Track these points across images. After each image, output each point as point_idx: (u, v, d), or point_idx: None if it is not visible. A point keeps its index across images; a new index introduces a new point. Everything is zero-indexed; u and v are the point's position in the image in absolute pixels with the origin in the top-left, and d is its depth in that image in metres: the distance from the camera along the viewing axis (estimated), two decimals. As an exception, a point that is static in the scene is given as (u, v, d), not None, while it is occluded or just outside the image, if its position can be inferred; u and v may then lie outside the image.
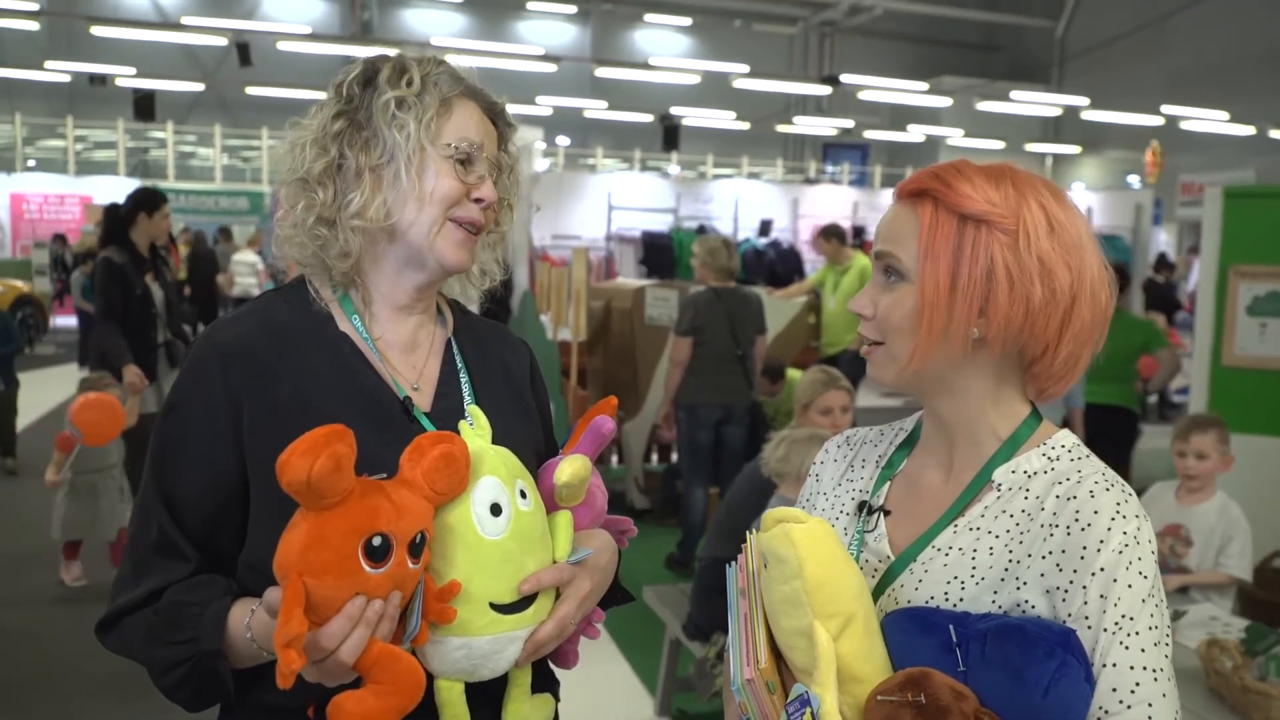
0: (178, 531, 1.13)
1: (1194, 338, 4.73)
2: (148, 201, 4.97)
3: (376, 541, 0.97)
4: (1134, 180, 18.01)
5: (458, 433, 1.12)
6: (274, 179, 1.27)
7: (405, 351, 1.25)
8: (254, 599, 1.06)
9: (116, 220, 4.89)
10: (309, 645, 0.96)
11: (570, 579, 1.13)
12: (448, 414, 1.20)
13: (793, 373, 5.77)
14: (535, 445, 1.30)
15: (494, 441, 1.15)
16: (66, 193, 16.69)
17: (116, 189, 16.88)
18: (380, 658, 0.98)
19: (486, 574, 1.05)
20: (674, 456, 6.24)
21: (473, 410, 1.19)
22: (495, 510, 1.07)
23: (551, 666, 1.29)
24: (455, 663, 1.06)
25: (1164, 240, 14.21)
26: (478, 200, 1.21)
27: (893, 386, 1.11)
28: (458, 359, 1.29)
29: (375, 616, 0.97)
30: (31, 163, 18.55)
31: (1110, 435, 5.12)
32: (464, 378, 1.27)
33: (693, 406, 5.14)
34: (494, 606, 1.06)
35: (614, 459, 6.82)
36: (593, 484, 1.24)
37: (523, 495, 1.10)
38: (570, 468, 1.15)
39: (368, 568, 0.97)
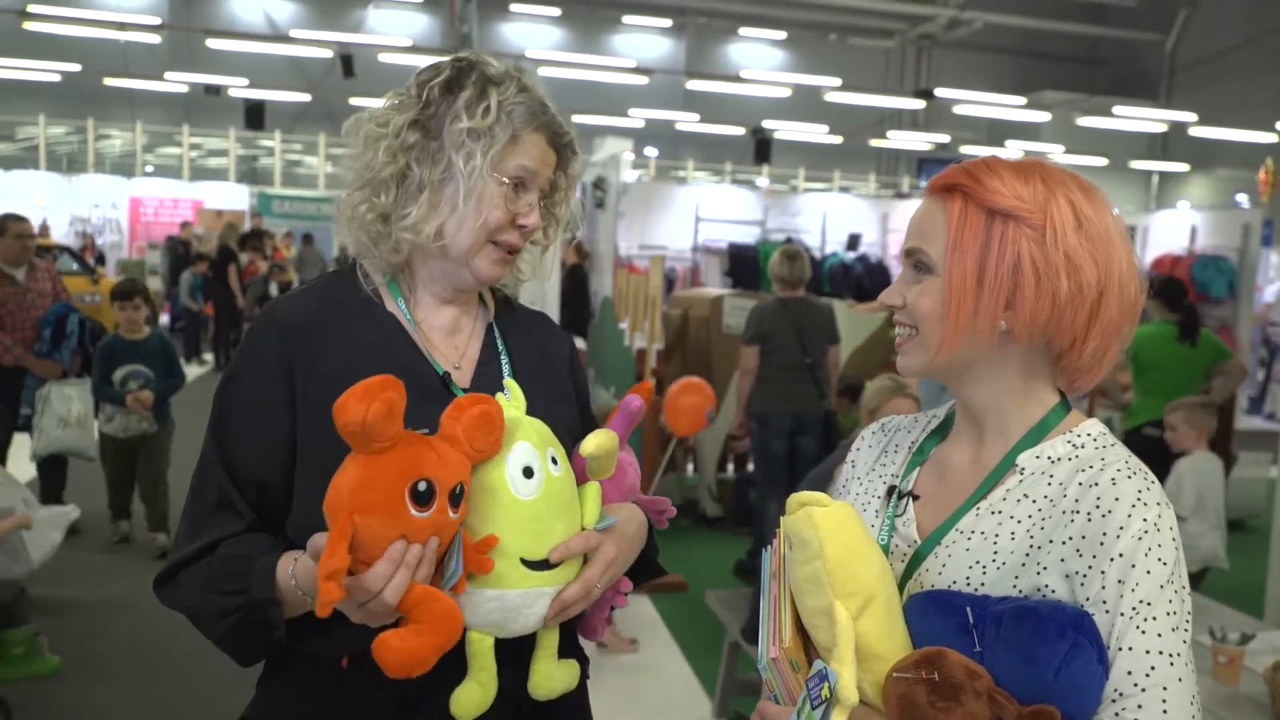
0: (235, 491, 1.21)
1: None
2: None
3: (422, 486, 1.04)
4: (1243, 199, 17.28)
5: None
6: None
7: (448, 334, 1.32)
8: (298, 551, 1.14)
9: None
10: (355, 587, 1.03)
11: (597, 545, 1.19)
12: (485, 390, 1.25)
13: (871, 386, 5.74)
14: (571, 426, 1.34)
15: (528, 414, 1.22)
16: (180, 197, 17.52)
17: (226, 194, 17.68)
18: (422, 599, 1.04)
19: (518, 531, 1.12)
20: (749, 466, 6.26)
21: (509, 383, 1.26)
22: (528, 473, 1.14)
23: (581, 643, 1.35)
24: (488, 614, 1.13)
25: (1275, 262, 13.58)
26: (521, 226, 1.27)
27: (922, 375, 1.13)
28: (498, 342, 1.36)
29: (415, 560, 1.04)
30: (149, 168, 19.52)
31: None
32: (504, 359, 1.34)
33: (764, 415, 5.15)
34: (525, 562, 1.12)
35: (689, 467, 6.86)
36: (624, 460, 1.30)
37: (554, 461, 1.17)
38: (595, 440, 1.20)
39: (413, 510, 1.03)
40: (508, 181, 1.25)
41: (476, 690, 1.15)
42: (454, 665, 1.14)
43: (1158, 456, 5.21)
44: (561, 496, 1.17)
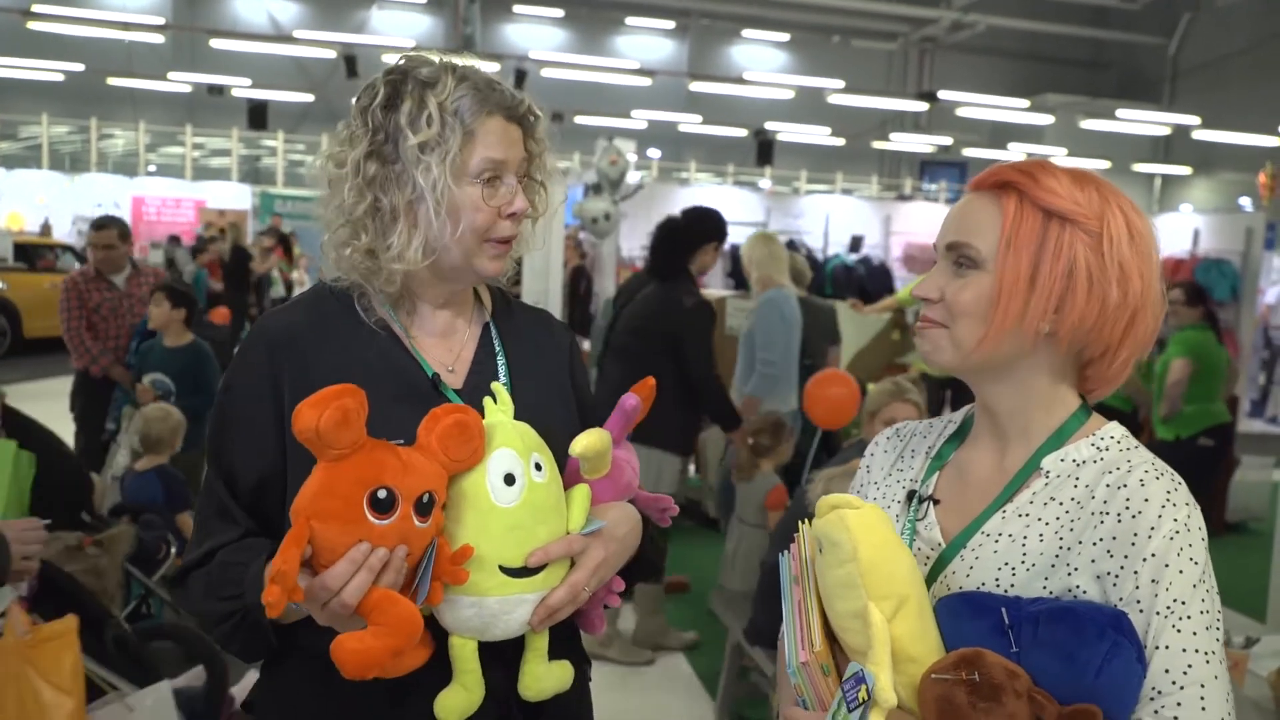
0: (231, 500, 1.24)
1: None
2: (720, 230, 4.12)
3: (381, 494, 1.04)
4: (1245, 203, 17.25)
5: (483, 409, 1.18)
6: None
7: (443, 337, 1.32)
8: None
9: (677, 244, 4.04)
10: (316, 586, 1.04)
11: (582, 549, 1.18)
12: (478, 393, 1.25)
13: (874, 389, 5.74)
14: (569, 425, 1.33)
15: (523, 418, 1.21)
16: (183, 196, 17.52)
17: (229, 194, 17.67)
18: (380, 602, 1.05)
19: (497, 539, 1.12)
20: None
21: (496, 387, 1.24)
22: (509, 480, 1.13)
23: (584, 645, 1.35)
24: (467, 620, 1.13)
25: (1277, 266, 13.57)
26: (510, 215, 1.25)
27: (949, 370, 1.13)
28: (495, 342, 1.35)
29: (378, 563, 1.04)
30: (152, 168, 19.50)
31: (1218, 449, 5.25)
32: (500, 360, 1.33)
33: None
34: (503, 570, 1.12)
35: (692, 468, 6.85)
36: (621, 458, 1.27)
37: (538, 468, 1.16)
38: (585, 440, 1.19)
39: (372, 518, 1.04)
40: (479, 179, 1.22)
41: (461, 694, 1.15)
42: (440, 667, 1.15)
43: (1209, 467, 5.17)
44: (545, 503, 1.16)
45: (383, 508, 1.04)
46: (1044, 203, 1.06)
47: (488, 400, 1.21)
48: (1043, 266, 1.06)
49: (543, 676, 1.21)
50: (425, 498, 1.07)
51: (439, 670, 1.15)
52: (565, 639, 1.26)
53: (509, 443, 1.15)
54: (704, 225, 4.13)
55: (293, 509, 1.06)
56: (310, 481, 1.06)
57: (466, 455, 1.11)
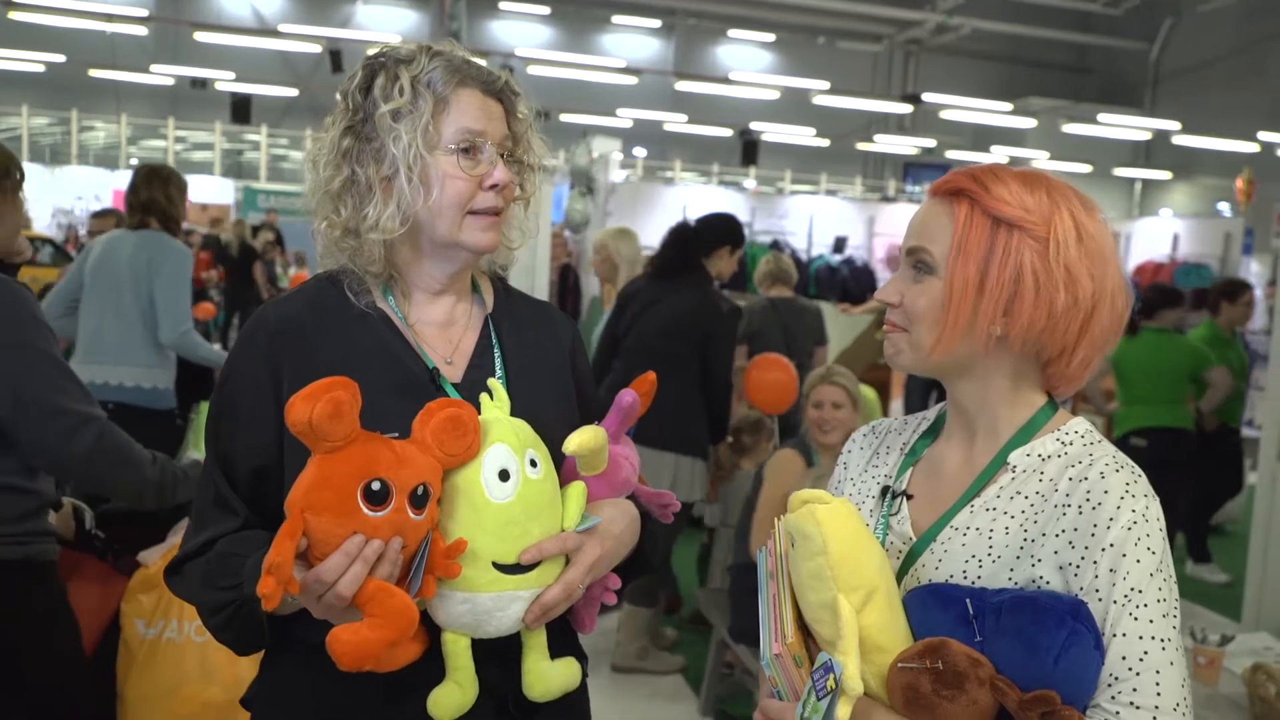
0: (229, 489, 1.24)
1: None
2: (735, 235, 4.12)
3: (375, 486, 1.04)
4: (1224, 208, 17.43)
5: (480, 404, 1.19)
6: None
7: (442, 328, 1.31)
8: None
9: (685, 245, 4.03)
10: (311, 579, 1.04)
11: (576, 546, 1.17)
12: (476, 386, 1.26)
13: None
14: (569, 419, 1.33)
15: (520, 414, 1.21)
16: (165, 190, 17.39)
17: (212, 188, 17.55)
18: (375, 594, 1.05)
19: (490, 535, 1.11)
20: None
21: (493, 384, 1.24)
22: (504, 476, 1.13)
23: (581, 643, 1.35)
24: (459, 616, 1.13)
25: (1255, 271, 13.72)
26: (491, 186, 1.25)
27: (913, 372, 1.17)
28: (493, 335, 1.34)
29: (373, 555, 1.04)
30: (134, 161, 19.36)
31: (1169, 459, 4.96)
32: (497, 353, 1.32)
33: (749, 417, 5.16)
34: (497, 566, 1.11)
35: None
36: (618, 455, 1.27)
37: (533, 464, 1.15)
38: (579, 438, 1.19)
39: (366, 510, 1.04)
40: (455, 148, 1.23)
41: (455, 691, 1.15)
42: (434, 663, 1.15)
43: (1144, 467, 5.18)
44: (539, 499, 1.15)
45: (377, 500, 1.04)
46: (993, 210, 1.09)
47: (484, 396, 1.21)
48: (990, 272, 1.08)
49: (547, 674, 1.20)
50: (420, 490, 1.07)
51: (436, 666, 1.15)
52: (562, 636, 1.26)
53: (504, 439, 1.15)
54: (714, 229, 4.15)
55: (287, 502, 1.06)
56: (304, 474, 1.06)
57: (461, 450, 1.11)
